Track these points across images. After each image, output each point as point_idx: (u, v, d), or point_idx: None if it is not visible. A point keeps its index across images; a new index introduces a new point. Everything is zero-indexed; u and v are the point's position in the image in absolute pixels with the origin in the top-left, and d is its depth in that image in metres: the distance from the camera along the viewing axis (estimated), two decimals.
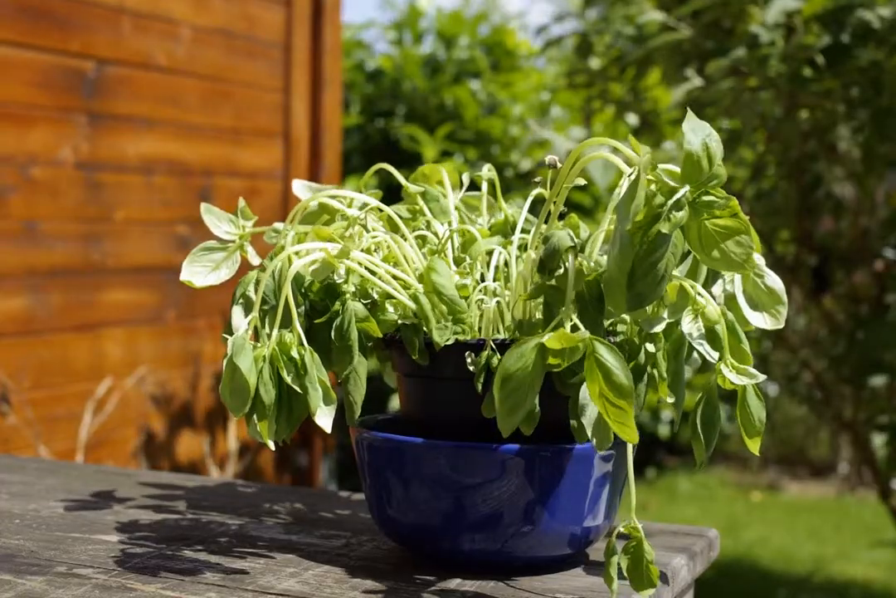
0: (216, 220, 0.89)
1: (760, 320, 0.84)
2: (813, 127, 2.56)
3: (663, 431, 5.15)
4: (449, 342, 0.82)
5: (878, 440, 3.21)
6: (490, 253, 0.89)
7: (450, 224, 0.93)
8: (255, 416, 0.81)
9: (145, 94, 2.67)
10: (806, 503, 4.86)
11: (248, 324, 0.82)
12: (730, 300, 0.85)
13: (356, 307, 0.84)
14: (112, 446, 2.58)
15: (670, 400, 0.82)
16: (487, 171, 0.98)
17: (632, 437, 0.75)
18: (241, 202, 0.89)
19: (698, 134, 0.74)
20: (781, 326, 0.84)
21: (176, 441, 2.80)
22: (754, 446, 0.82)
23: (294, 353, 0.81)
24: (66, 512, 1.02)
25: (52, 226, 2.43)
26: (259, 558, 0.88)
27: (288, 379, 0.81)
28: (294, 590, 0.80)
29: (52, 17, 2.42)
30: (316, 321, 0.85)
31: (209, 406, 2.90)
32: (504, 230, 0.96)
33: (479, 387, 0.81)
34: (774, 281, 0.84)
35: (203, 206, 0.89)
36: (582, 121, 4.33)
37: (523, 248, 0.90)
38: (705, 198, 0.75)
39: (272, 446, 0.82)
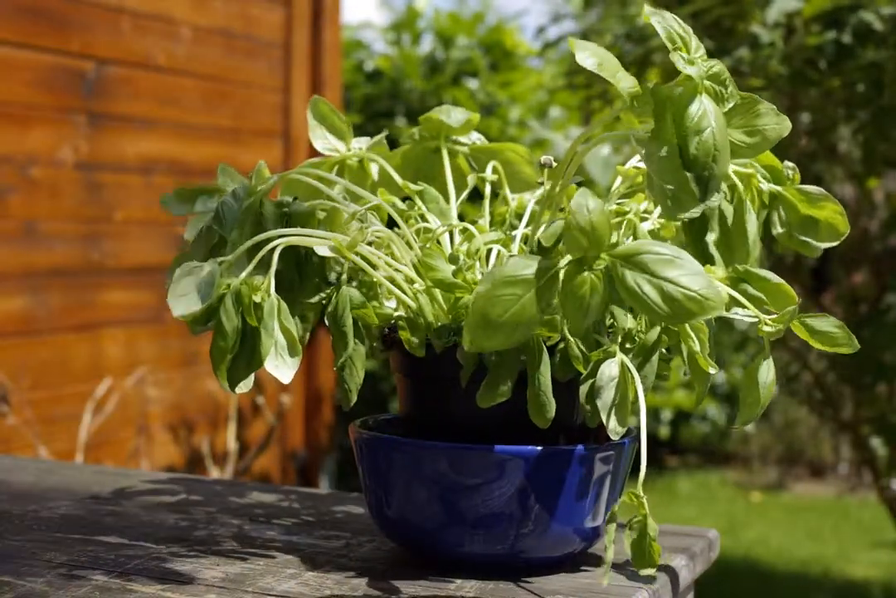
0: (230, 181, 0.88)
1: (822, 244, 0.83)
2: (813, 127, 2.56)
3: (663, 431, 5.16)
4: (448, 345, 0.81)
5: (877, 442, 3.21)
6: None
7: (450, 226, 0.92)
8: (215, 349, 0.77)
9: (145, 94, 2.67)
10: (806, 503, 4.86)
11: (221, 265, 0.78)
12: (786, 239, 0.84)
13: (351, 293, 0.83)
14: (112, 446, 2.58)
15: (713, 371, 0.80)
16: (491, 171, 0.97)
17: (717, 307, 0.71)
18: (261, 163, 0.88)
19: (662, 24, 0.76)
20: (847, 230, 0.83)
21: (176, 441, 2.80)
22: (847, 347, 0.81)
23: (258, 297, 0.78)
24: (65, 513, 1.01)
25: (52, 226, 2.43)
26: (259, 559, 0.88)
27: (253, 316, 0.77)
28: (294, 591, 0.80)
29: (52, 17, 2.42)
30: (308, 300, 0.84)
31: (209, 406, 2.90)
32: (504, 226, 0.95)
33: (465, 382, 0.80)
34: (819, 192, 0.83)
35: (220, 165, 0.88)
36: (581, 121, 4.33)
37: (525, 241, 0.88)
38: (705, 64, 0.75)
39: (227, 387, 0.80)
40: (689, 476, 5.15)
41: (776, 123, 0.77)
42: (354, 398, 0.84)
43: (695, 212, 0.75)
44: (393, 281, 0.84)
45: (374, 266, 0.84)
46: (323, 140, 0.95)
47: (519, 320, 0.71)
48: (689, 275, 0.72)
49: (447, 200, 0.94)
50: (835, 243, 0.84)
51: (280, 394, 3.12)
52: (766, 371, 0.81)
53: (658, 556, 0.78)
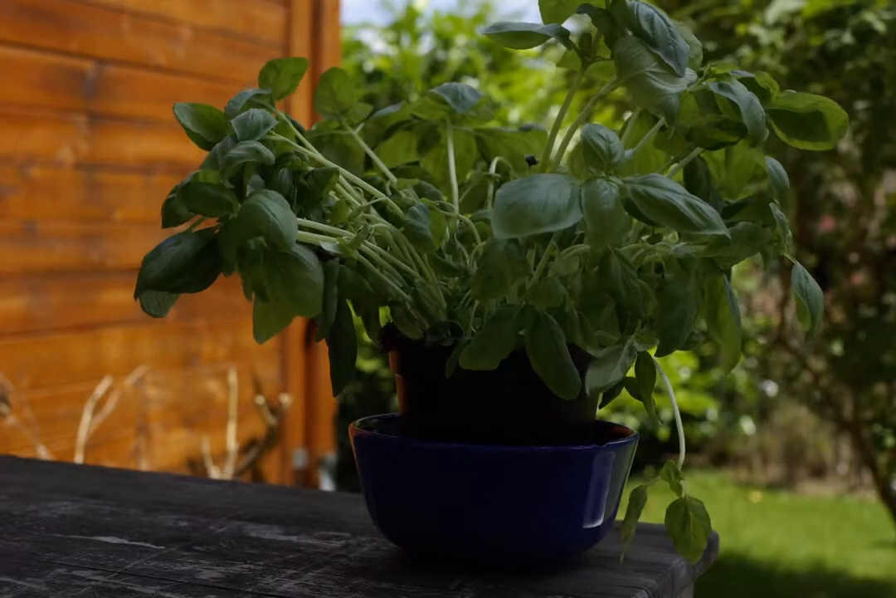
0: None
1: (834, 134, 0.83)
2: None
3: (663, 431, 5.16)
4: (445, 344, 0.81)
5: (885, 432, 3.20)
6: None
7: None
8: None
9: (145, 95, 2.67)
10: (806, 503, 4.86)
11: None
12: (796, 141, 0.84)
13: (347, 273, 0.82)
14: (112, 446, 2.58)
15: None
16: (494, 171, 0.96)
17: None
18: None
19: None
20: (846, 116, 0.82)
21: (175, 441, 2.80)
22: None
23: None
24: (65, 513, 1.01)
25: (52, 226, 2.43)
26: (258, 559, 0.88)
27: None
28: (294, 592, 0.80)
29: (52, 17, 2.42)
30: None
31: (208, 406, 2.90)
32: None
33: (449, 373, 0.80)
34: (798, 93, 0.84)
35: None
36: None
37: None
38: None
39: (150, 309, 0.78)
40: (689, 476, 5.15)
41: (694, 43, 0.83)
42: (346, 384, 0.83)
43: (681, 86, 0.78)
44: (393, 277, 0.84)
45: (374, 262, 0.84)
46: (323, 104, 0.94)
47: (545, 203, 0.70)
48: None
49: (448, 182, 0.93)
50: (845, 133, 0.83)
51: (280, 394, 3.12)
52: (801, 280, 0.80)
53: (705, 538, 0.77)
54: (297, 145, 0.86)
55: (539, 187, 0.70)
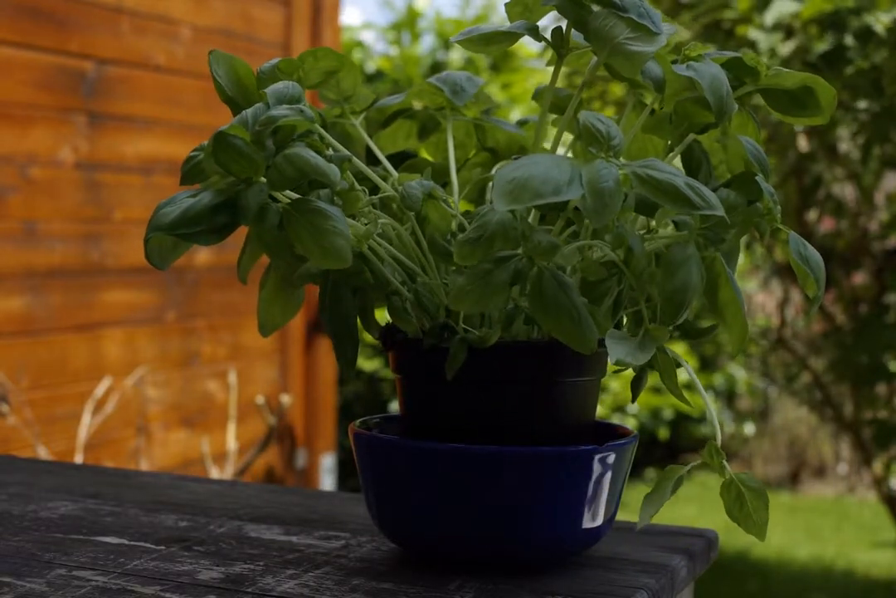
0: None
1: (825, 108, 0.82)
2: (813, 127, 2.56)
3: (663, 431, 5.16)
4: (442, 345, 0.81)
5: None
6: None
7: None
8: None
9: (145, 95, 2.67)
10: (805, 503, 4.86)
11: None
12: (790, 118, 0.84)
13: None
14: (111, 446, 2.58)
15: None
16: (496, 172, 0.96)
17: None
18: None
19: None
20: (835, 91, 0.82)
21: (175, 441, 2.80)
22: None
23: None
24: (65, 513, 1.01)
25: (52, 226, 2.43)
26: (258, 559, 0.88)
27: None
28: (294, 592, 0.80)
29: (52, 17, 2.42)
30: None
31: (208, 406, 2.90)
32: None
33: (450, 374, 0.80)
34: (785, 70, 0.84)
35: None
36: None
37: None
38: None
39: (153, 259, 0.78)
40: (689, 476, 5.15)
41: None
42: (352, 366, 0.83)
43: (661, 42, 0.78)
44: (394, 272, 0.84)
45: (377, 255, 0.83)
46: (327, 91, 0.94)
47: (546, 177, 0.70)
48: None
49: (448, 171, 0.93)
50: (835, 108, 0.83)
51: (280, 394, 3.11)
52: (799, 247, 0.80)
53: (766, 509, 0.76)
54: (318, 128, 0.85)
55: (540, 164, 0.71)
